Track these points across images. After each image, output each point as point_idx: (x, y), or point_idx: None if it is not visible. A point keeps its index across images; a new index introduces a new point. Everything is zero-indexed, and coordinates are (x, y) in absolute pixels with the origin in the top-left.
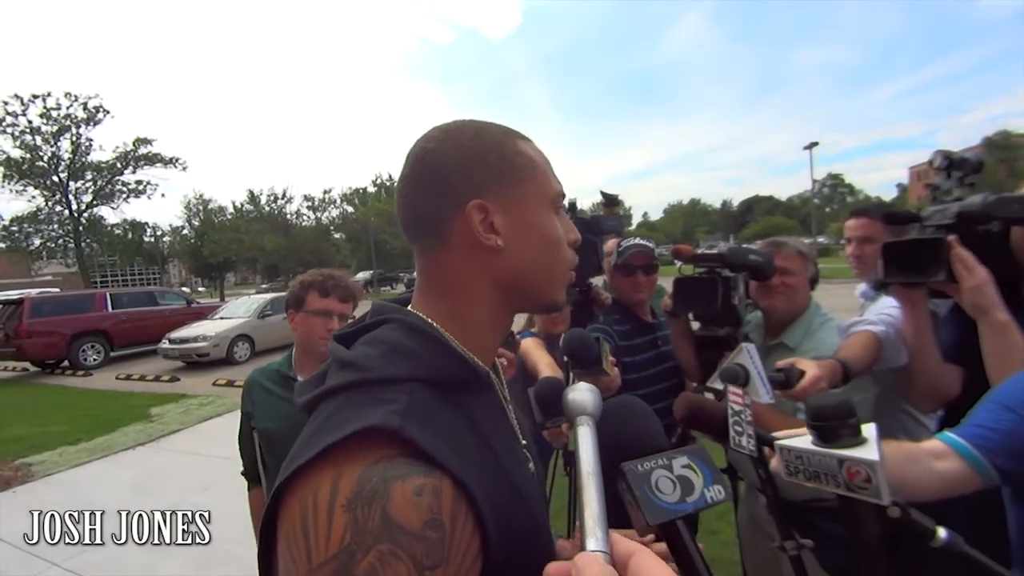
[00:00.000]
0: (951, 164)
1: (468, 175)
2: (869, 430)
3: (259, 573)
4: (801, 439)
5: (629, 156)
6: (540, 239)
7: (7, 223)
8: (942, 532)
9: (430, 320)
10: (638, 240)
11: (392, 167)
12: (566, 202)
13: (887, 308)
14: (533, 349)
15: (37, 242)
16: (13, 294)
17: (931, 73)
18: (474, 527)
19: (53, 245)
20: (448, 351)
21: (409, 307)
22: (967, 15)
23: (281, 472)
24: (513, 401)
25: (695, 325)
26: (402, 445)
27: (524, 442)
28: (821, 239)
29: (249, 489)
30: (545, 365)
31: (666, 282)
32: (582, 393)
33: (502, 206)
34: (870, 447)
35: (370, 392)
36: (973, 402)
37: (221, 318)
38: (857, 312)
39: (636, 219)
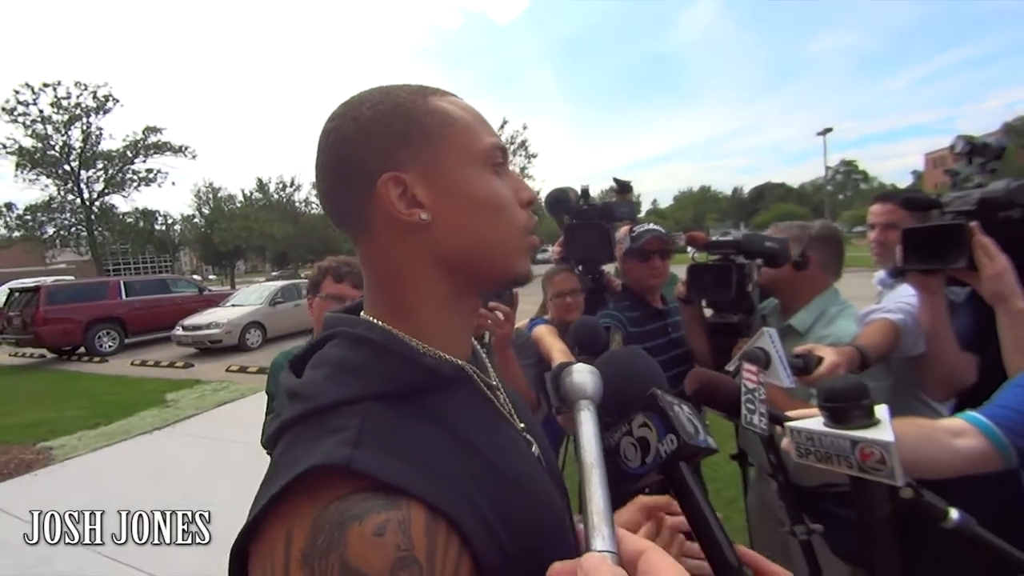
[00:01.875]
0: (972, 150)
1: (373, 148)
2: (882, 411)
3: None
4: (812, 420)
5: (639, 143)
6: (474, 203)
7: (21, 212)
8: (954, 513)
9: (379, 322)
10: (652, 226)
11: None
12: (579, 188)
13: (905, 296)
14: (546, 336)
15: (51, 230)
16: (29, 282)
17: (948, 59)
18: (460, 550)
19: (66, 233)
20: (399, 358)
21: (362, 312)
22: (984, 0)
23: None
24: (508, 384)
25: (708, 312)
26: (356, 479)
27: (522, 425)
28: (834, 226)
29: None
30: (558, 352)
31: (678, 269)
32: (581, 375)
33: (420, 174)
34: (884, 428)
35: (319, 423)
36: (988, 391)
37: (233, 305)
38: (874, 300)
39: (646, 206)
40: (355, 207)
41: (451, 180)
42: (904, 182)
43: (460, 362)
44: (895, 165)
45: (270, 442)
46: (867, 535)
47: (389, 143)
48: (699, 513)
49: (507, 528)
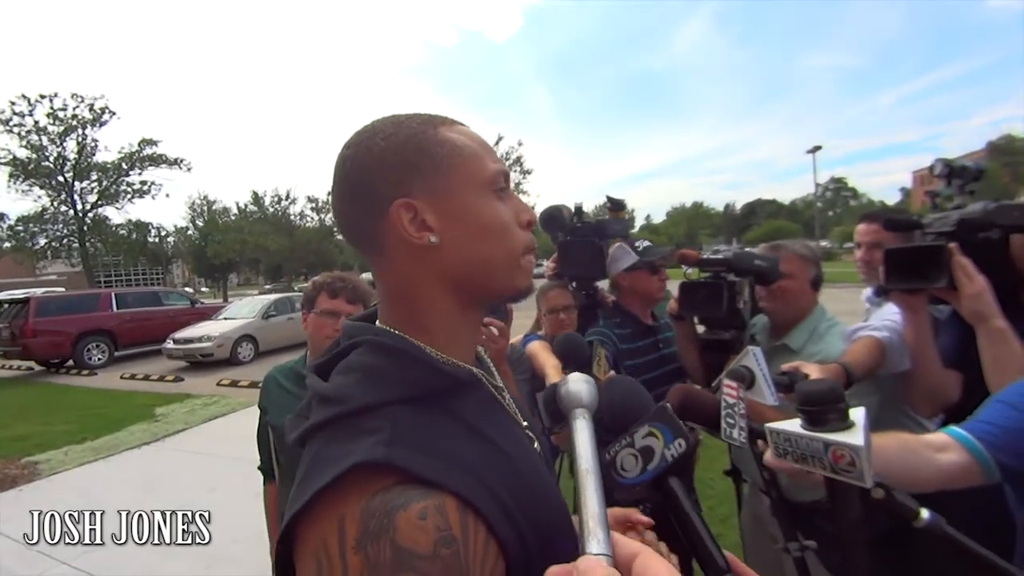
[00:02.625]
0: (951, 172)
1: (387, 176)
2: (857, 415)
3: None
4: (790, 422)
5: (631, 159)
6: (479, 227)
7: (13, 223)
8: (925, 513)
9: (398, 332)
10: (648, 243)
11: None
12: (572, 205)
13: (892, 314)
14: (540, 352)
15: (42, 242)
16: (18, 293)
17: (935, 77)
18: (487, 535)
19: (58, 245)
20: (422, 365)
21: (378, 321)
22: (972, 20)
23: (284, 517)
24: (510, 387)
25: (700, 329)
26: (396, 474)
27: (525, 423)
28: (824, 243)
29: (264, 484)
30: (552, 368)
31: (671, 286)
32: (576, 384)
33: (429, 201)
34: (856, 432)
35: (352, 424)
36: (973, 407)
37: (225, 319)
38: (862, 317)
39: (639, 222)
40: (369, 230)
41: (458, 206)
42: (892, 199)
43: (471, 368)
44: (883, 182)
45: (300, 441)
46: (840, 534)
47: (401, 172)
48: (689, 521)
49: (523, 515)
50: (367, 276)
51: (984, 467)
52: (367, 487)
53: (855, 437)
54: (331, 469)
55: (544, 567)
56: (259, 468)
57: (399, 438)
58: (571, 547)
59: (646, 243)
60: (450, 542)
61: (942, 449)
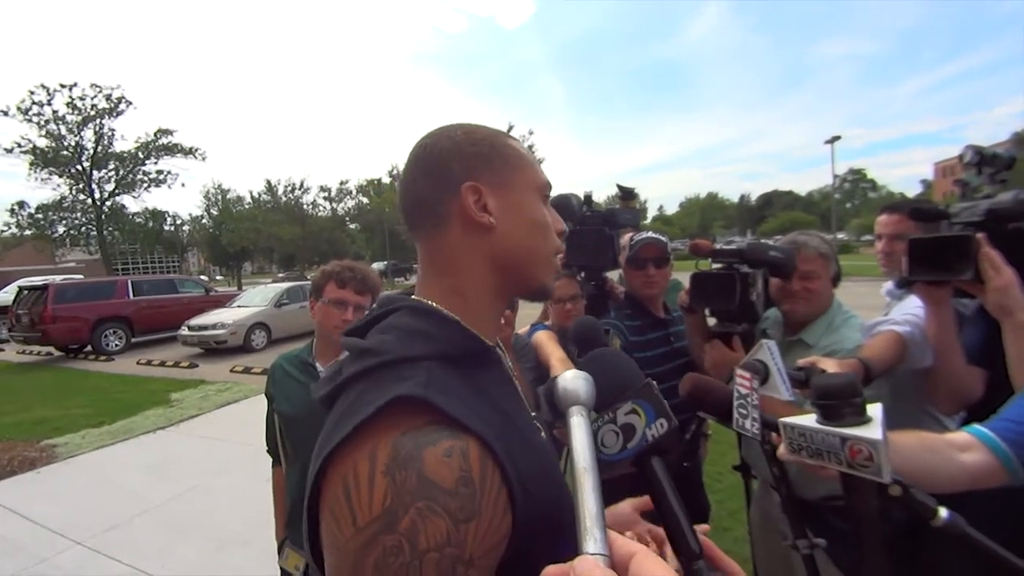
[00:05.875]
0: (982, 160)
1: (462, 162)
2: (874, 410)
3: (308, 552)
4: (806, 417)
5: (645, 149)
6: (529, 221)
7: (33, 211)
8: (943, 512)
9: (434, 303)
10: (650, 233)
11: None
12: (582, 194)
13: (913, 308)
14: (546, 343)
15: (61, 230)
16: (38, 280)
17: (958, 67)
18: (500, 483)
19: (76, 233)
20: (457, 327)
21: (414, 296)
22: (994, 7)
23: (316, 456)
24: (520, 378)
25: (711, 321)
26: (428, 413)
27: (533, 414)
28: (841, 235)
29: (272, 467)
30: (557, 359)
31: (684, 277)
32: (573, 381)
33: (494, 189)
34: (874, 426)
35: (391, 372)
36: (997, 405)
37: (239, 306)
38: (881, 310)
39: (652, 213)
40: (437, 204)
41: (515, 200)
42: (913, 191)
43: (493, 345)
44: (903, 173)
45: (331, 395)
46: (855, 531)
47: (475, 161)
48: (666, 501)
49: (534, 489)
50: (378, 266)
51: (1008, 467)
52: (401, 423)
53: (873, 431)
54: (371, 405)
55: (544, 564)
56: (268, 451)
57: (433, 384)
58: (574, 549)
59: (641, 234)
60: (469, 483)
61: (964, 448)
